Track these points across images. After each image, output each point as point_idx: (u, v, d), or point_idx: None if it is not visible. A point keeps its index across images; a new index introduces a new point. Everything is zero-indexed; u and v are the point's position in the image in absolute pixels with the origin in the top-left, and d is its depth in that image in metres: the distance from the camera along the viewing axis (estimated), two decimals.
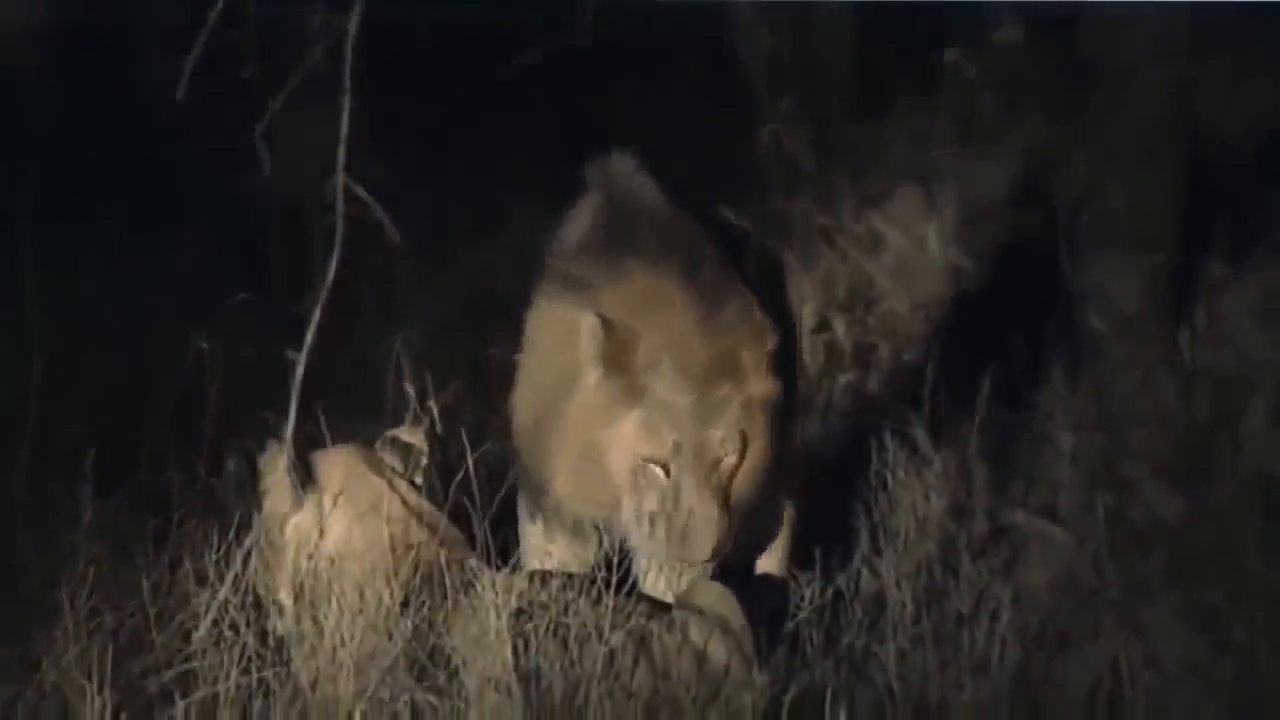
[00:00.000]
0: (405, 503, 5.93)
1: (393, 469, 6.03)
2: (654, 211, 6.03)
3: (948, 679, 5.84)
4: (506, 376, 6.98)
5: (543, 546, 6.06)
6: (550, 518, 6.00)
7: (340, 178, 5.93)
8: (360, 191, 5.93)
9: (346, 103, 5.90)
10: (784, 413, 5.88)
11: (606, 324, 5.72)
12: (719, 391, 5.74)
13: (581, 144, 6.24)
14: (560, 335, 5.88)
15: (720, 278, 5.85)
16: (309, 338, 5.91)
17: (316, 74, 5.97)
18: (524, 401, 6.06)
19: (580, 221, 6.13)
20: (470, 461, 6.03)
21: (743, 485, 5.80)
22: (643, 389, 5.74)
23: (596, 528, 5.96)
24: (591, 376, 5.76)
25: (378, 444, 6.14)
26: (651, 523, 5.75)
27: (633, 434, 5.76)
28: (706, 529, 5.71)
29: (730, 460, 5.75)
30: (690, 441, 5.72)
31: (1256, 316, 7.35)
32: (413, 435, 6.20)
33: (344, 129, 5.90)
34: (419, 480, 6.07)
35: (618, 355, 5.73)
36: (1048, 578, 6.28)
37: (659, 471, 5.73)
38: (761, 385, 5.80)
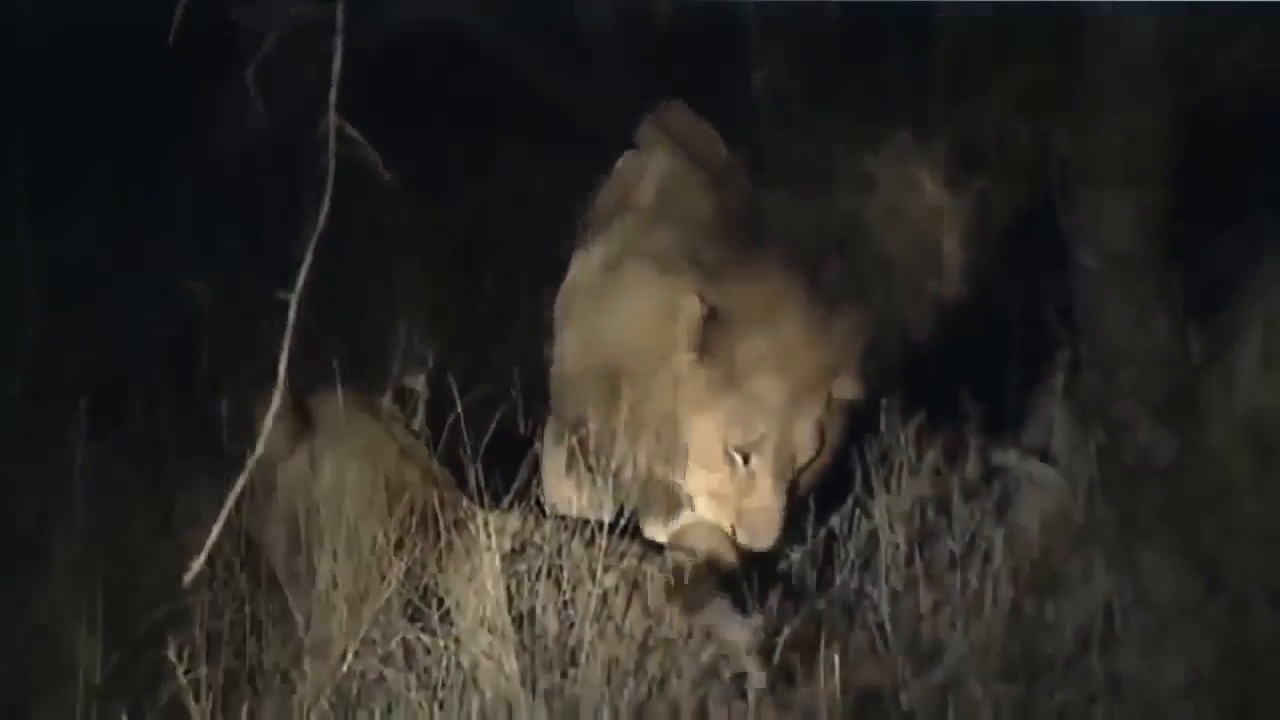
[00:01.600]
0: (399, 444, 5.94)
1: (387, 411, 6.03)
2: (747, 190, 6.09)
3: (940, 620, 5.85)
4: (501, 321, 6.97)
5: (568, 490, 6.08)
6: (574, 461, 6.02)
7: (332, 118, 5.90)
8: (353, 132, 5.91)
9: (339, 43, 5.87)
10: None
11: (708, 311, 5.71)
12: (812, 391, 5.76)
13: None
14: (659, 304, 5.89)
15: (839, 282, 5.91)
16: (301, 280, 5.89)
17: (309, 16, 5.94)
18: (573, 347, 6.07)
19: (655, 181, 6.13)
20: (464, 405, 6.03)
21: (808, 478, 5.85)
22: (738, 380, 5.74)
23: (589, 470, 5.97)
24: (685, 358, 5.77)
25: (385, 392, 6.15)
26: (718, 501, 5.83)
27: (721, 420, 5.78)
28: (772, 521, 5.78)
29: (805, 456, 5.79)
30: (775, 435, 5.74)
31: (1251, 256, 7.33)
32: (414, 381, 6.21)
33: (336, 69, 5.87)
34: (415, 425, 6.08)
35: (712, 343, 5.73)
36: (1040, 518, 6.28)
37: (739, 459, 5.75)
38: (848, 387, 5.83)
